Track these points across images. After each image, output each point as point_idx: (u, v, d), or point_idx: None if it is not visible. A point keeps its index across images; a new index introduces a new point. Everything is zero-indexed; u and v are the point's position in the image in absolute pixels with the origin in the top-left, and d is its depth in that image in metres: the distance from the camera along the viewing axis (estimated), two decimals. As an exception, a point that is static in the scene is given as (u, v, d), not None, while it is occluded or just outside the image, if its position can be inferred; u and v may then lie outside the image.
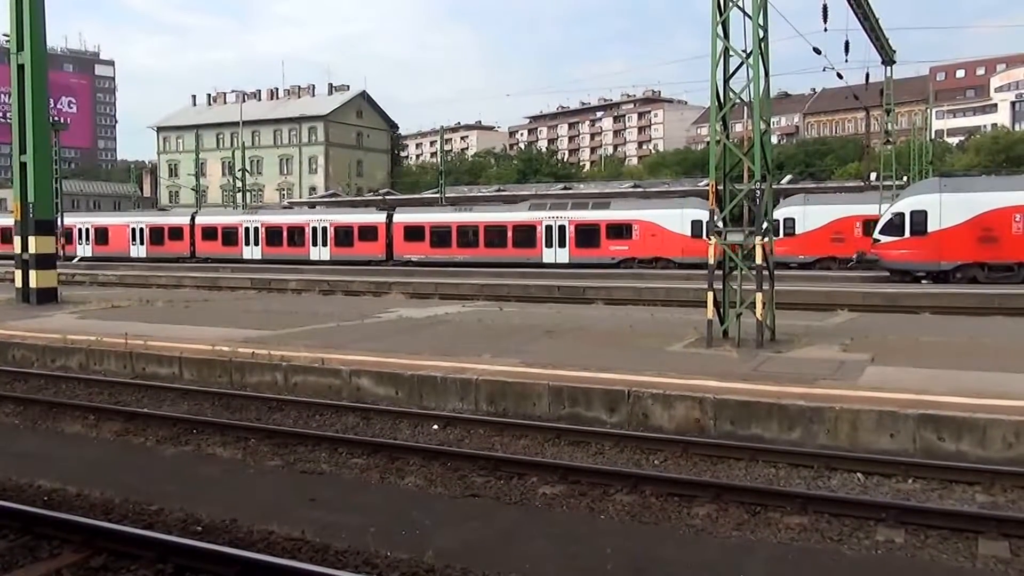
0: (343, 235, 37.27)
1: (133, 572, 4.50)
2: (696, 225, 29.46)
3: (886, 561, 4.83)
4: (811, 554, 4.92)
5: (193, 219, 42.59)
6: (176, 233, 42.13)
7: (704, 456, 6.84)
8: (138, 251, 43.13)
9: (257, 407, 8.83)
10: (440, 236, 34.97)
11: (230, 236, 40.37)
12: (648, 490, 5.98)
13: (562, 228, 32.66)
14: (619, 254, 31.69)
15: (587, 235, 32.16)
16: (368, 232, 36.66)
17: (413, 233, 35.57)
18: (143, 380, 10.18)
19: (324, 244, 37.65)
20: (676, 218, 31.04)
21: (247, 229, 39.78)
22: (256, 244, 39.42)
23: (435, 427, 7.93)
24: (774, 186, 12.37)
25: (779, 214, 29.50)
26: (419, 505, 5.79)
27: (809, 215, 29.52)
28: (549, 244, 32.82)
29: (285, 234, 38.95)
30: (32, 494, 5.84)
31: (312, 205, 53.59)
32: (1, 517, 5.18)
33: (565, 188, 56.17)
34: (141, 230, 43.52)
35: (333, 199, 57.49)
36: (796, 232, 29.31)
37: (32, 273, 16.95)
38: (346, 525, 5.26)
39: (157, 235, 42.90)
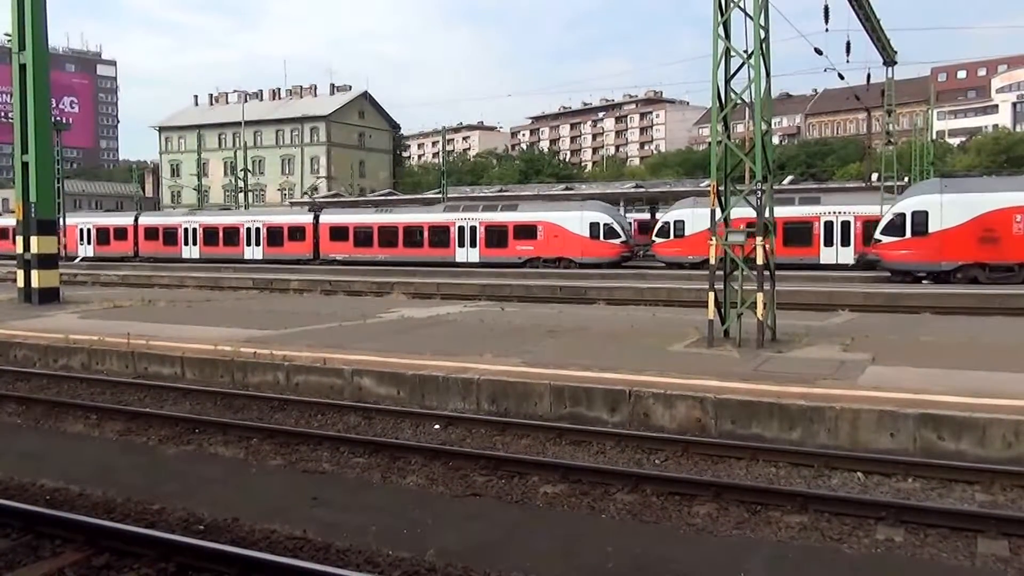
0: (274, 235, 39.04)
1: (136, 571, 4.51)
2: (594, 227, 31.84)
3: (886, 559, 4.84)
4: (811, 552, 4.94)
5: (136, 220, 44.64)
6: (121, 233, 43.84)
7: (705, 455, 6.86)
8: (86, 250, 44.76)
9: (259, 407, 8.85)
10: (363, 236, 36.56)
11: (170, 236, 42.25)
12: (649, 489, 6.00)
13: (473, 229, 34.15)
14: (525, 254, 33.05)
15: (496, 236, 33.64)
16: (297, 232, 38.46)
17: (338, 233, 37.18)
18: (145, 380, 10.20)
19: (257, 244, 39.49)
20: (576, 220, 32.45)
21: (186, 230, 41.65)
22: (195, 244, 41.53)
23: (437, 427, 7.95)
24: (775, 187, 12.38)
25: (670, 217, 31.61)
26: (421, 504, 5.81)
27: (697, 218, 30.07)
28: (462, 244, 34.30)
29: (221, 234, 40.79)
30: (34, 493, 5.86)
31: (310, 205, 54.32)
32: (4, 516, 5.19)
33: (567, 188, 56.25)
34: (88, 230, 45.04)
35: (334, 199, 57.67)
36: (686, 234, 30.43)
37: (34, 273, 16.99)
38: (348, 524, 5.28)
39: (103, 235, 44.65)
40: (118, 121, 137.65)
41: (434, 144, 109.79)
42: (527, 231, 33.24)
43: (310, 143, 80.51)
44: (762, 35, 10.53)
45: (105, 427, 8.20)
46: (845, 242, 28.23)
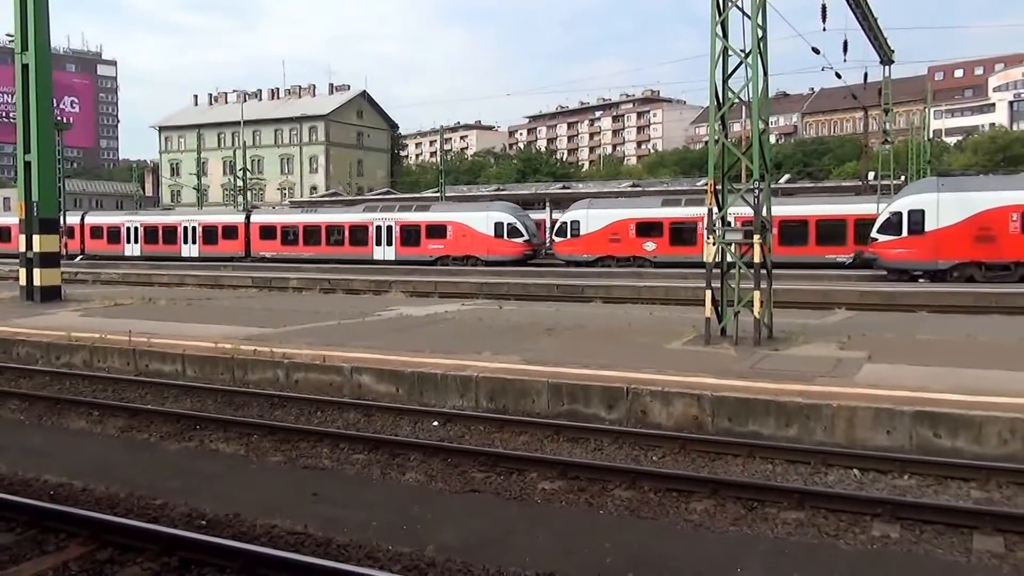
0: (209, 234, 41.20)
1: (139, 565, 4.54)
2: (498, 227, 33.60)
3: (882, 556, 4.87)
4: (808, 549, 4.97)
5: (83, 219, 46.38)
6: (68, 232, 44.83)
7: (702, 452, 6.90)
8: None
9: (259, 404, 8.88)
10: (290, 235, 38.73)
11: (114, 235, 44.43)
12: (646, 486, 6.03)
13: (390, 228, 35.99)
14: (436, 252, 34.67)
15: (410, 235, 35.48)
16: (230, 232, 40.65)
17: (267, 232, 39.42)
18: (146, 377, 10.25)
19: (193, 242, 41.65)
20: (482, 220, 34.05)
21: (128, 229, 43.80)
22: (136, 242, 43.47)
23: (435, 424, 7.99)
24: (772, 185, 12.44)
25: (567, 217, 33.10)
26: (420, 500, 5.84)
27: (591, 218, 32.09)
28: (379, 243, 36.12)
29: (160, 233, 42.88)
30: (38, 488, 5.89)
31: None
32: (9, 511, 5.23)
33: (565, 187, 56.32)
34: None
35: (334, 198, 57.85)
36: (581, 233, 31.93)
37: (36, 271, 17.02)
38: (348, 520, 5.31)
39: None
40: (118, 121, 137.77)
41: (432, 144, 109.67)
42: (438, 231, 34.81)
43: (309, 142, 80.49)
44: (760, 34, 10.57)
45: (107, 424, 8.25)
46: None
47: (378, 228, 36.15)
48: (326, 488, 6.12)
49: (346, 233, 36.95)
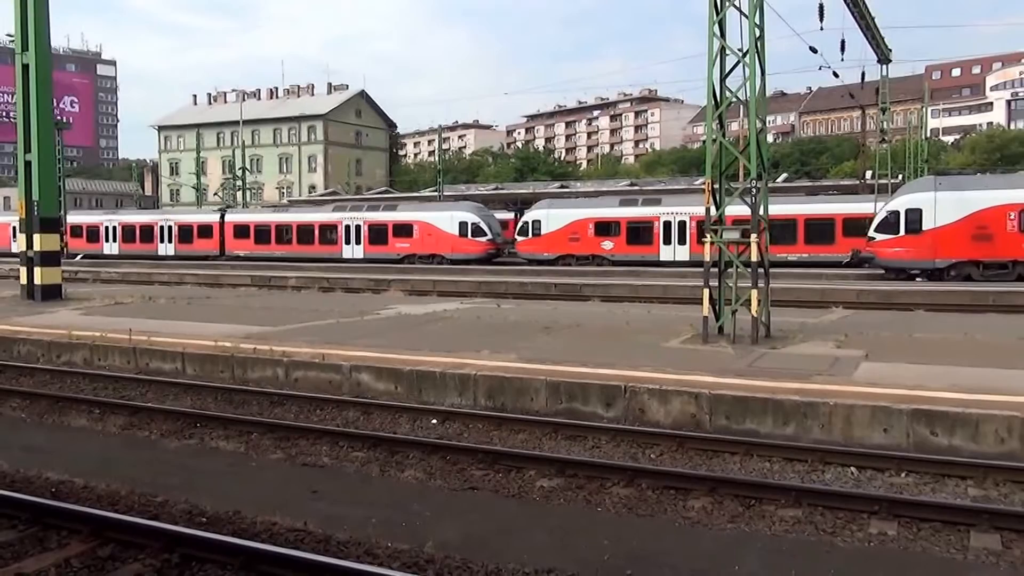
0: (185, 233, 42.38)
1: (140, 562, 4.55)
2: (463, 226, 34.61)
3: (879, 553, 4.90)
4: (805, 546, 4.99)
5: (64, 218, 47.89)
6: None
7: (700, 450, 6.92)
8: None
9: (259, 402, 8.90)
10: (262, 234, 39.80)
11: (93, 234, 45.39)
12: (644, 483, 6.05)
13: (358, 227, 37.14)
14: (403, 250, 35.89)
15: (378, 234, 36.61)
16: (205, 231, 41.75)
17: (240, 231, 40.50)
18: (147, 375, 10.27)
19: (169, 240, 42.83)
20: (447, 220, 35.12)
21: (107, 228, 44.94)
22: (114, 241, 44.45)
23: (434, 421, 8.01)
24: (770, 184, 12.47)
25: (529, 217, 34.06)
26: (419, 498, 5.86)
27: (552, 218, 33.09)
28: (348, 241, 37.22)
29: (138, 232, 43.97)
30: (40, 486, 5.89)
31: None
32: (11, 508, 5.24)
33: (563, 186, 56.35)
34: (15, 227, 46.39)
35: (333, 197, 58.01)
36: (542, 233, 32.91)
37: (37, 270, 17.03)
38: (348, 517, 5.32)
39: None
40: (118, 120, 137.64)
41: (430, 143, 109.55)
42: (405, 230, 36.01)
43: (307, 142, 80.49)
44: (757, 33, 10.60)
45: (108, 421, 8.26)
46: (682, 241, 30.61)
47: (347, 227, 37.21)
48: (326, 485, 6.14)
49: (316, 232, 37.97)
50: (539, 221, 33.07)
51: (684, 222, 30.44)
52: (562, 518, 5.51)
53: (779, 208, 29.78)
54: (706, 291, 10.77)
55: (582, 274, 27.09)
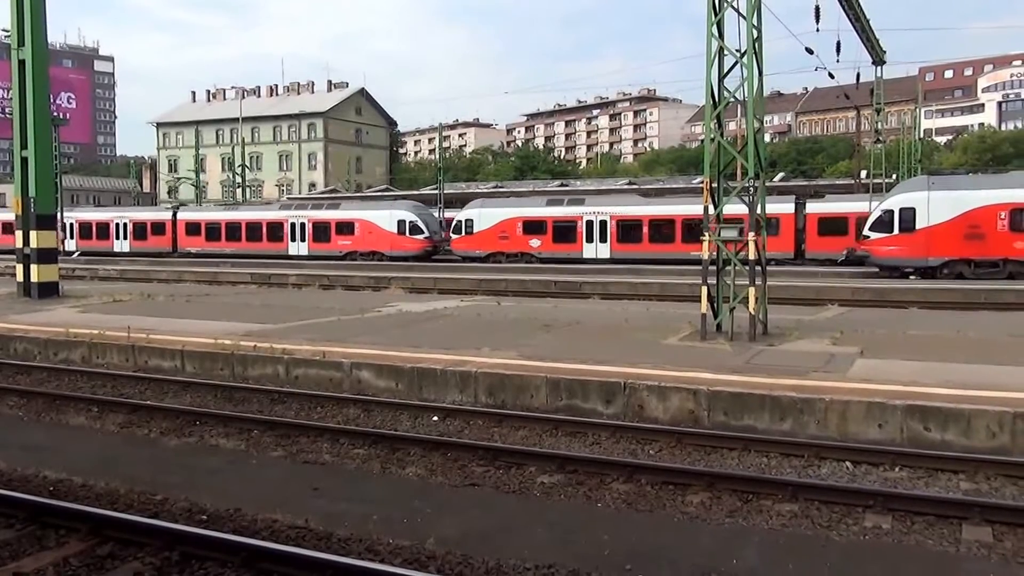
0: (139, 230, 43.53)
1: (140, 560, 4.53)
2: (401, 224, 36.16)
3: (874, 546, 4.95)
4: (802, 540, 5.04)
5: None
6: (8, 228, 46.49)
7: (698, 446, 6.97)
8: None
9: (259, 399, 8.91)
10: (213, 231, 40.98)
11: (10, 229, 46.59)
12: (644, 479, 6.10)
13: (303, 225, 38.32)
14: (345, 247, 37.07)
15: (321, 231, 37.74)
16: (158, 228, 42.83)
17: (192, 229, 41.68)
18: (146, 373, 10.26)
19: (125, 237, 44.04)
20: (387, 218, 36.61)
21: (66, 225, 44.85)
22: (72, 237, 45.26)
23: (435, 418, 8.05)
24: (767, 184, 12.51)
25: (462, 215, 35.33)
26: (420, 494, 5.87)
27: (483, 217, 34.42)
28: (293, 239, 38.53)
29: (94, 229, 44.92)
30: (38, 484, 5.87)
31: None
32: (8, 507, 5.20)
33: (562, 184, 56.44)
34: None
35: (332, 195, 58.12)
36: (475, 231, 34.26)
37: (33, 267, 16.99)
38: (349, 514, 5.33)
39: None
40: (115, 117, 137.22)
41: (430, 141, 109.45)
42: (347, 227, 37.28)
43: (307, 139, 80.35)
44: (755, 34, 10.64)
45: (106, 419, 8.24)
46: (603, 240, 32.05)
47: (292, 225, 38.50)
48: (326, 483, 6.15)
49: (264, 230, 39.29)
50: (471, 220, 34.36)
51: (605, 221, 31.96)
52: (562, 514, 5.54)
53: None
54: (704, 289, 10.82)
55: (582, 272, 27.17)
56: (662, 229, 30.92)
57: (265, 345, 10.30)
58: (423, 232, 36.02)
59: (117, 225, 43.92)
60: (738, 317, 10.77)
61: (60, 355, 11.38)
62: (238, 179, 56.61)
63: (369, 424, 7.96)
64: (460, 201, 43.28)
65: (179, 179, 76.71)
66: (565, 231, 32.51)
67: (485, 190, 54.60)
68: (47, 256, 17.29)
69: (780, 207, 28.90)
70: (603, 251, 31.73)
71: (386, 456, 6.85)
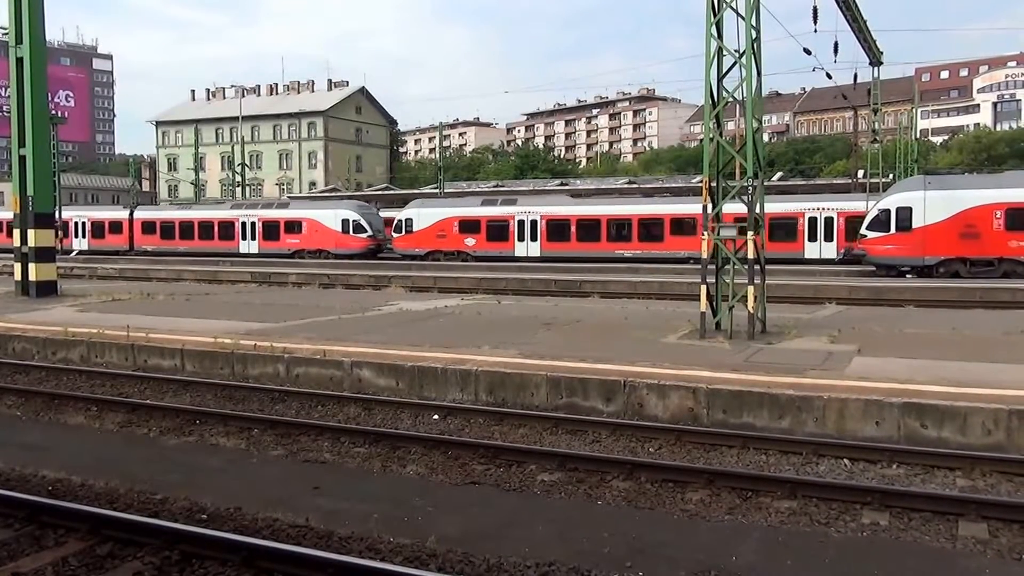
0: (97, 229, 44.86)
1: (139, 559, 4.51)
2: (345, 223, 37.44)
3: (871, 542, 4.98)
4: (800, 536, 5.06)
5: None
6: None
7: (697, 444, 7.00)
8: None
9: (260, 398, 8.91)
10: (167, 230, 42.40)
11: (8, 228, 47.49)
12: (643, 477, 6.12)
13: (253, 224, 39.86)
14: (293, 246, 38.53)
15: (271, 230, 39.30)
16: (115, 226, 44.21)
17: (148, 228, 43.16)
18: (145, 372, 10.25)
19: (83, 236, 45.33)
20: (332, 217, 37.89)
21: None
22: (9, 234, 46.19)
23: (435, 417, 8.06)
24: (766, 183, 12.55)
25: (402, 215, 36.79)
26: (421, 492, 5.88)
27: (422, 216, 35.85)
28: (244, 237, 39.98)
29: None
30: (36, 484, 5.84)
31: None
32: (6, 507, 5.17)
33: (563, 183, 56.55)
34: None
35: (333, 194, 58.26)
36: (414, 230, 35.63)
37: (31, 266, 16.97)
38: (350, 512, 5.33)
39: None
40: (114, 115, 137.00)
41: (431, 140, 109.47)
42: (295, 226, 38.74)
43: (307, 138, 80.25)
44: (754, 35, 10.67)
45: (106, 419, 8.22)
46: (533, 238, 33.57)
47: (243, 224, 39.91)
48: (327, 481, 6.15)
49: (216, 229, 40.57)
50: (411, 219, 35.72)
51: (536, 221, 33.41)
52: (563, 511, 5.56)
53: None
54: (703, 288, 10.85)
55: (582, 271, 27.23)
56: (589, 229, 32.43)
57: (265, 344, 10.30)
58: (366, 231, 37.28)
59: (76, 224, 44.97)
60: (737, 315, 10.80)
61: (59, 354, 11.37)
62: (238, 178, 56.51)
63: (370, 423, 7.96)
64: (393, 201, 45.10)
65: (177, 179, 76.67)
66: (498, 230, 33.83)
67: (486, 189, 54.73)
68: (45, 255, 17.27)
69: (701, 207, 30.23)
70: (533, 249, 33.13)
71: (387, 455, 6.86)
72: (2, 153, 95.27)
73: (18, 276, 17.30)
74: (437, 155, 64.27)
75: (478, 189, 55.13)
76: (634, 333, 11.29)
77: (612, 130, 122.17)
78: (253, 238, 39.58)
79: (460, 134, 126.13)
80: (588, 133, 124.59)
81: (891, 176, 38.05)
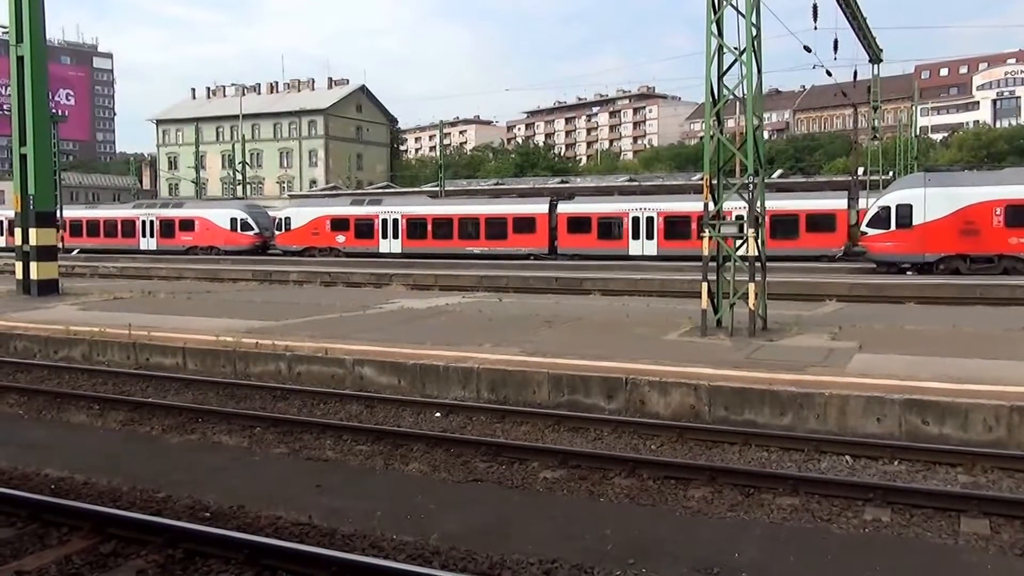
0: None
1: (143, 558, 4.51)
2: (233, 222, 40.41)
3: (873, 539, 4.99)
4: (802, 533, 5.07)
5: None
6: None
7: (699, 441, 7.00)
8: None
9: (262, 396, 8.91)
10: (80, 228, 44.71)
11: (10, 227, 49.50)
12: (645, 474, 6.12)
13: (152, 222, 42.90)
14: (187, 243, 41.27)
15: (167, 228, 42.16)
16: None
17: (74, 228, 44.76)
18: (147, 370, 10.25)
19: (11, 233, 47.52)
20: (222, 216, 40.92)
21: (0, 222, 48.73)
22: (11, 234, 47.57)
23: (438, 414, 8.06)
24: (766, 180, 12.55)
25: (281, 214, 39.13)
26: (423, 490, 5.89)
27: (299, 215, 37.91)
28: (144, 235, 42.82)
29: (5, 226, 46.24)
30: (39, 483, 5.84)
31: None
32: (9, 505, 5.17)
33: (563, 181, 56.62)
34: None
35: (333, 192, 58.38)
36: (292, 228, 37.65)
37: (33, 265, 16.99)
38: (352, 510, 5.34)
39: None
40: (115, 114, 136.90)
41: (431, 138, 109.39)
42: (188, 224, 41.51)
43: (308, 136, 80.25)
44: (754, 32, 10.66)
45: (108, 417, 8.22)
46: (395, 236, 35.93)
47: (143, 222, 42.73)
48: (330, 479, 6.16)
49: (119, 227, 43.45)
50: (289, 218, 38.14)
51: (397, 220, 35.86)
52: (565, 509, 5.57)
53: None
54: (704, 285, 10.85)
55: (583, 268, 27.24)
56: (443, 227, 35.02)
57: (267, 342, 10.31)
58: (253, 229, 39.92)
59: (1, 222, 46.54)
60: (738, 313, 10.81)
61: (60, 353, 11.37)
62: (239, 176, 56.51)
63: (372, 420, 7.97)
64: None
65: (177, 177, 76.66)
66: (365, 228, 36.28)
67: (486, 187, 54.82)
68: (47, 253, 17.28)
69: (537, 208, 34.20)
70: (395, 246, 35.66)
71: (389, 452, 6.86)
72: (3, 152, 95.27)
73: (19, 275, 17.30)
74: (437, 153, 64.24)
75: (478, 187, 55.30)
76: (635, 330, 11.30)
77: (612, 128, 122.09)
78: (152, 235, 42.31)
79: (460, 132, 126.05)
80: (588, 131, 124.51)
81: (891, 173, 38.08)
